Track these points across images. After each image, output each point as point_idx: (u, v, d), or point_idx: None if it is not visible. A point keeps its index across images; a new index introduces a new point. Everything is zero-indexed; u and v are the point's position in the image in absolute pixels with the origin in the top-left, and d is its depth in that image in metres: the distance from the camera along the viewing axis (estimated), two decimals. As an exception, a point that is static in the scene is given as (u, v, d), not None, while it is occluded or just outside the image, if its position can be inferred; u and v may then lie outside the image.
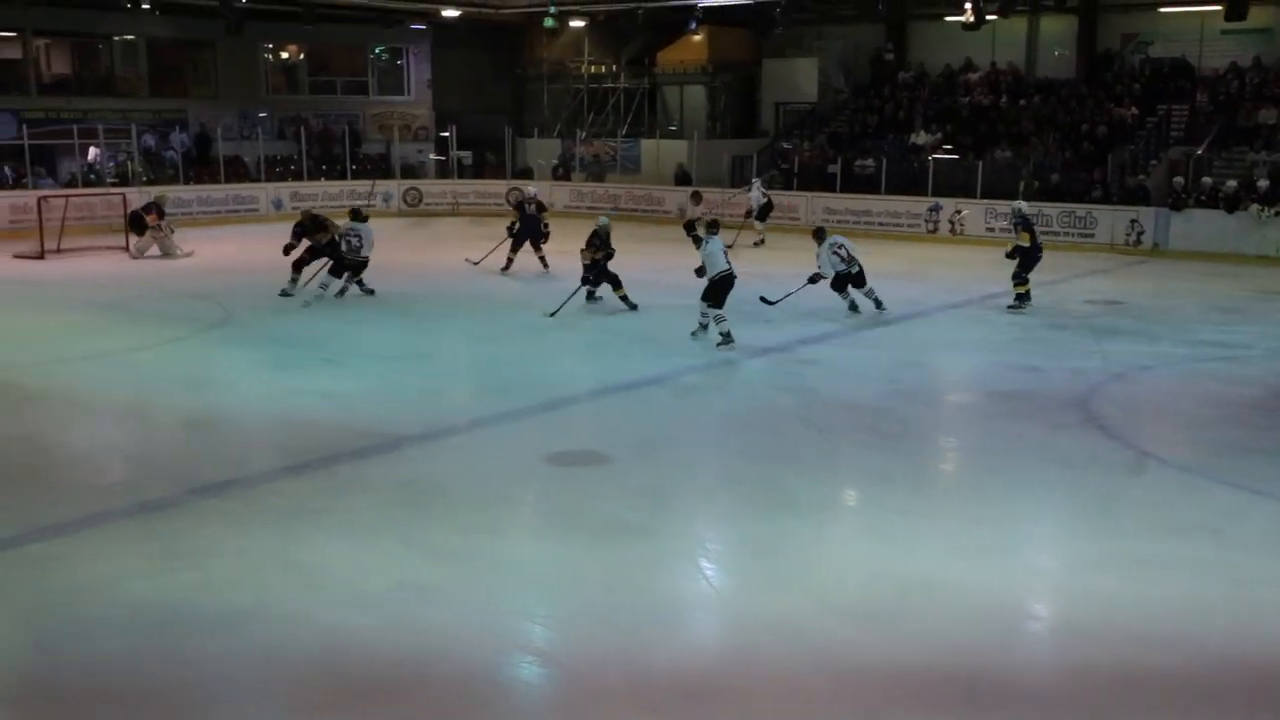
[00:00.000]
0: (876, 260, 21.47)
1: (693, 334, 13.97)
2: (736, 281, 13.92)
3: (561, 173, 31.96)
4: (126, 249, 21.21)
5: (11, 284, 18.25)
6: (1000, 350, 13.96)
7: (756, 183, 25.20)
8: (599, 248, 16.06)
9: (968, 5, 25.24)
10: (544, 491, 8.78)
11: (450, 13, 28.75)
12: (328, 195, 29.09)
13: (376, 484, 8.76)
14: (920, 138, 27.95)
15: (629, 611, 6.54)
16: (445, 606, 6.57)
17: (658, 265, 19.36)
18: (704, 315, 13.85)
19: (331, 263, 16.58)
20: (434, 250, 22.71)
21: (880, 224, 25.94)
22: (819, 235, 15.75)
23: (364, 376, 12.24)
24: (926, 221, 25.45)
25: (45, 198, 22.64)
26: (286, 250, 16.80)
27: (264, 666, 5.86)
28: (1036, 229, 16.80)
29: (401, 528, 7.81)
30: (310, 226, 16.94)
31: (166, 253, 21.02)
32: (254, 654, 5.96)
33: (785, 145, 30.10)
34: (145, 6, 25.96)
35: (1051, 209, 23.70)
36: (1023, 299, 16.45)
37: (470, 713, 5.53)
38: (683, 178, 29.52)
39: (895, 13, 30.51)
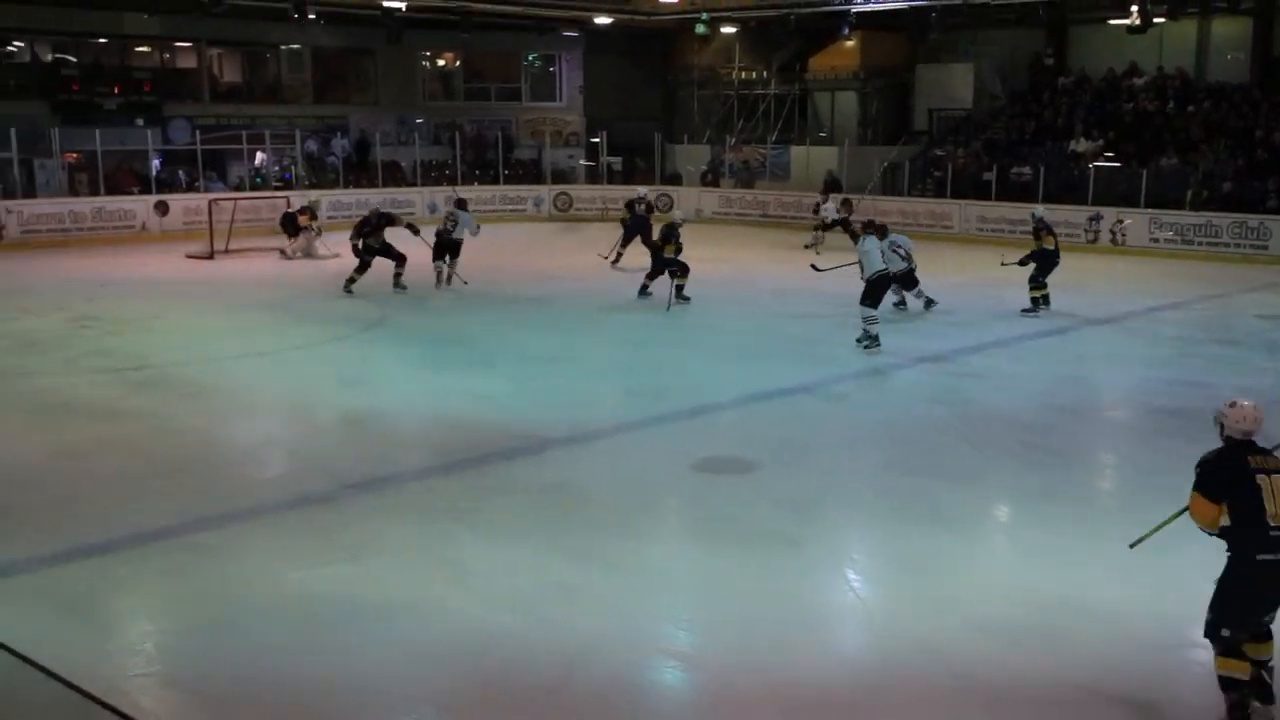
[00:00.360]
0: (1028, 271, 20.94)
1: (858, 340, 13.76)
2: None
3: (710, 179, 31.98)
4: (282, 251, 21.99)
5: (184, 283, 19.08)
6: (1164, 365, 13.45)
7: (832, 200, 24.47)
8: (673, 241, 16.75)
9: (1134, 8, 24.35)
10: (690, 497, 8.78)
11: (603, 19, 29.02)
12: (480, 200, 29.65)
13: (524, 485, 8.87)
14: (1080, 145, 27.10)
15: (773, 620, 6.49)
16: (590, 608, 6.62)
17: (809, 273, 19.18)
18: (868, 322, 13.68)
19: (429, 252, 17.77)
20: (584, 254, 22.91)
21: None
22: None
23: (514, 378, 12.43)
24: (1086, 231, 24.63)
25: (215, 200, 23.62)
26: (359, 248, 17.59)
27: (413, 660, 5.98)
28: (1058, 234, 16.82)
29: (548, 529, 7.89)
30: (377, 223, 17.67)
31: (309, 254, 21.71)
32: (404, 647, 6.09)
33: (938, 152, 29.54)
34: (312, 17, 26.84)
35: (1221, 219, 22.74)
36: (1038, 303, 16.33)
37: (612, 714, 5.55)
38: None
39: (1056, 16, 29.59)
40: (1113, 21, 27.58)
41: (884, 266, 13.81)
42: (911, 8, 26.04)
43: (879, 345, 13.58)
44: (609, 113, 33.99)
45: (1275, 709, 5.38)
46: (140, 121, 27.94)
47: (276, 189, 27.25)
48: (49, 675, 3.36)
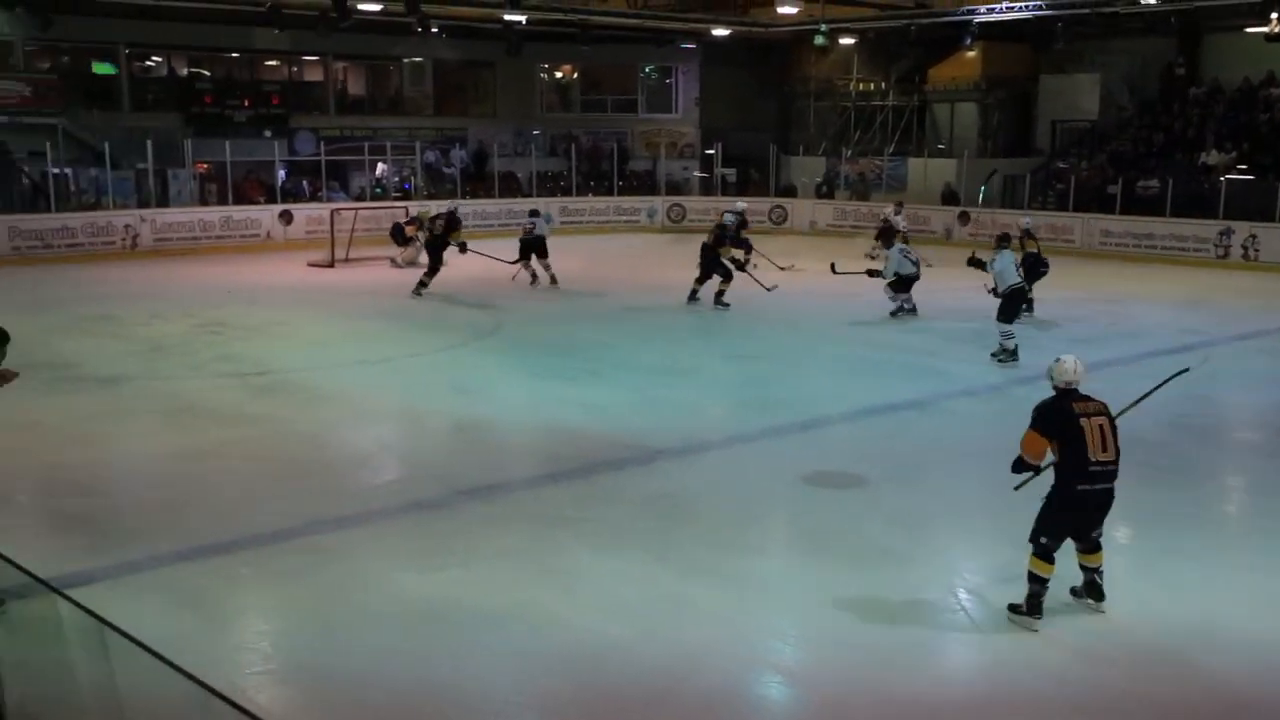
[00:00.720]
0: (1155, 285, 20.37)
1: (993, 355, 13.53)
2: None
3: (825, 191, 31.75)
4: (392, 260, 22.43)
5: (306, 291, 19.58)
6: (1296, 386, 12.94)
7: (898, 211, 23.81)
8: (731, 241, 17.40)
9: (1273, 15, 23.53)
10: (799, 511, 8.70)
11: (720, 31, 29.05)
12: (594, 210, 29.97)
13: (633, 495, 8.89)
14: (1212, 157, 26.24)
15: (881, 638, 6.40)
16: (697, 620, 6.60)
17: (926, 286, 18.91)
18: (1005, 338, 13.44)
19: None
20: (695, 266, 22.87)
21: (1164, 248, 24.46)
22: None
23: (625, 388, 12.48)
24: (1216, 246, 23.84)
25: (337, 210, 24.20)
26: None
27: (521, 666, 6.03)
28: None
29: (656, 541, 7.89)
30: (448, 224, 18.86)
31: (416, 263, 22.08)
32: (512, 654, 6.14)
33: (1061, 164, 28.88)
34: (434, 30, 27.38)
35: (1363, 235, 21.82)
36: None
37: (719, 729, 5.52)
38: (949, 197, 28.79)
39: (1188, 25, 28.73)
40: (1250, 30, 26.62)
41: (1018, 281, 13.55)
42: (1036, 17, 25.52)
43: (1016, 360, 13.32)
44: (724, 124, 33.98)
45: (1104, 606, 6.67)
46: (268, 133, 28.82)
47: (396, 199, 27.82)
48: (174, 669, 3.46)
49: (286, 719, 5.58)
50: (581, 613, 6.66)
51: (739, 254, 17.91)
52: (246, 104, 29.07)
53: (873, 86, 34.18)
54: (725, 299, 17.38)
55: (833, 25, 28.18)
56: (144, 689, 4.29)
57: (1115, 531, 8.61)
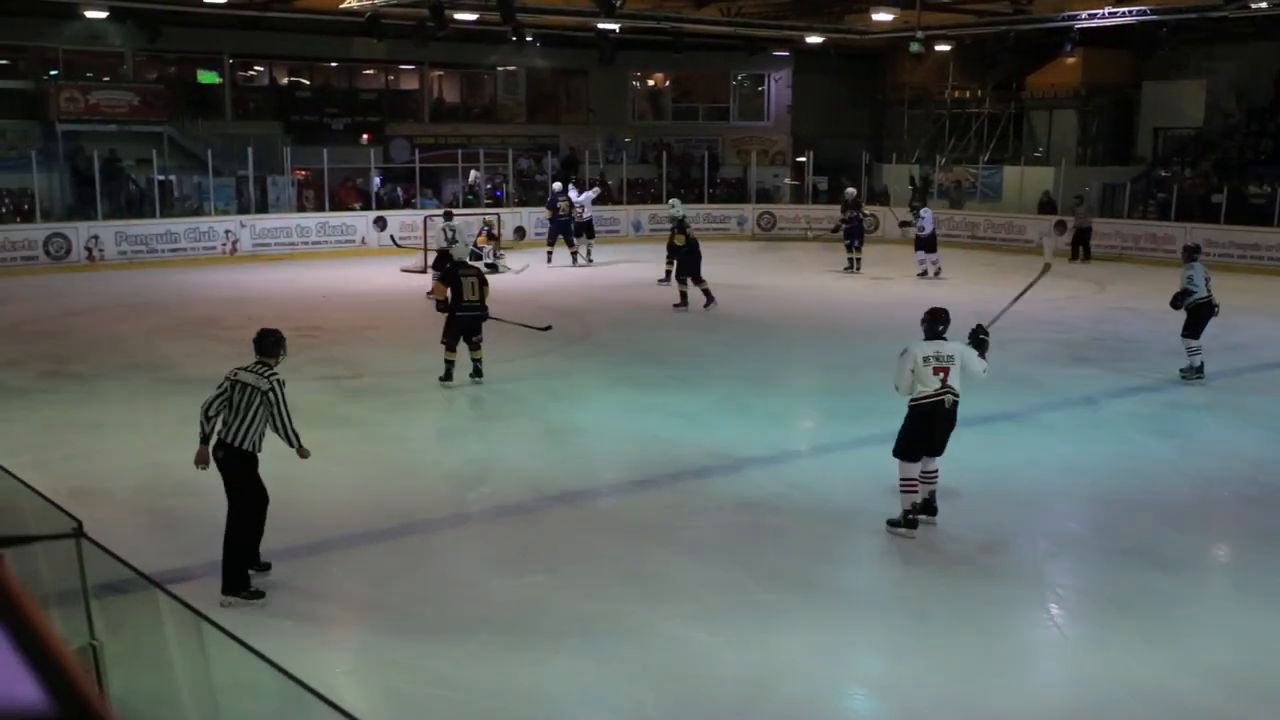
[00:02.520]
0: (1261, 297, 19.77)
1: (1181, 371, 13.18)
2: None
3: (919, 196, 31.36)
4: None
5: (398, 296, 19.85)
6: None
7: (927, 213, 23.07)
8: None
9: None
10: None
11: (814, 39, 28.87)
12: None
13: (720, 503, 8.86)
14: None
15: (970, 651, 6.29)
16: (783, 630, 6.55)
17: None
18: (1192, 354, 13.08)
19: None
20: (787, 274, 22.80)
21: (1271, 259, 23.74)
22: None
23: (713, 396, 12.44)
24: (1327, 258, 23.10)
25: (430, 217, 24.51)
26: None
27: (606, 672, 6.04)
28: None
29: (743, 548, 7.86)
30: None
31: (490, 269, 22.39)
32: (597, 659, 6.16)
33: (1163, 173, 28.20)
34: (529, 39, 27.64)
35: None
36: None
37: (803, 741, 5.47)
38: (1047, 206, 28.27)
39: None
40: (1363, 34, 25.82)
41: (1206, 294, 13.09)
42: (1140, 23, 24.96)
43: (1202, 376, 12.96)
44: (816, 132, 33.79)
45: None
46: (364, 140, 29.33)
47: (488, 206, 28.11)
48: (271, 665, 3.52)
49: (373, 719, 5.66)
50: (666, 619, 6.65)
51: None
52: (344, 112, 29.61)
53: (968, 93, 33.72)
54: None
55: (928, 32, 27.86)
56: (239, 684, 4.37)
57: (1215, 550, 8.39)
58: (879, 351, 14.92)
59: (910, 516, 8.04)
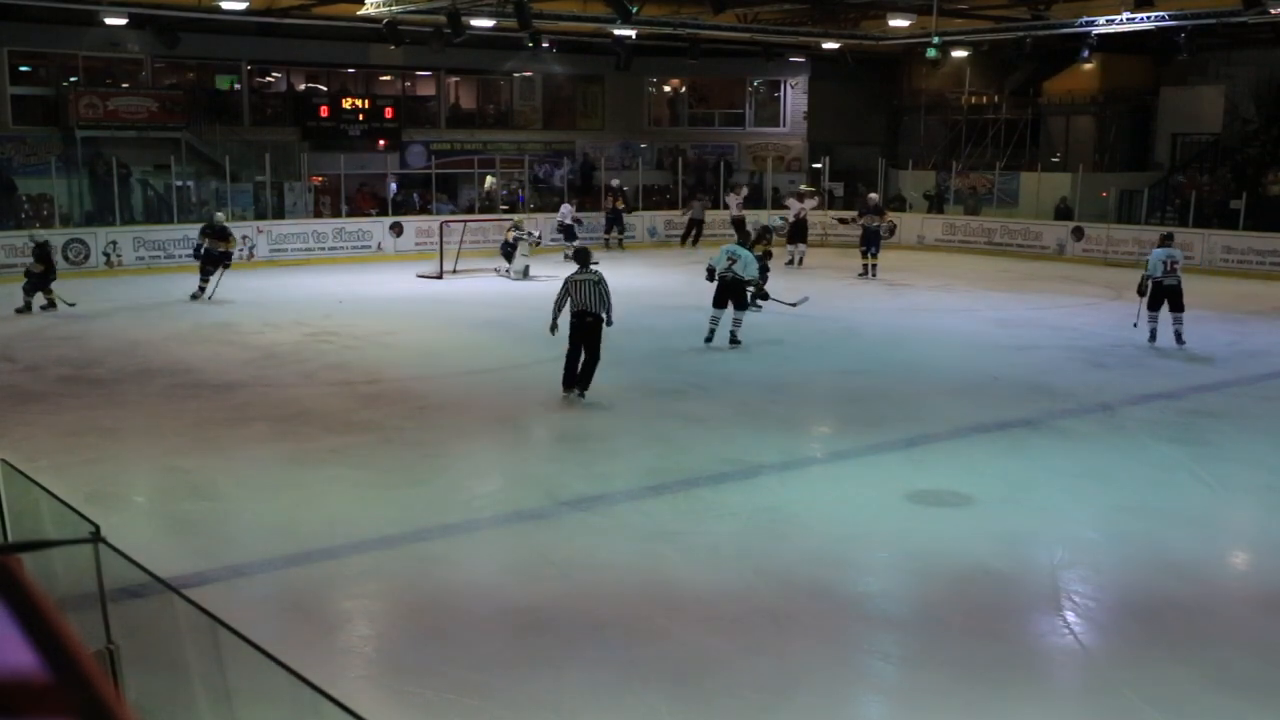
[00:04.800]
0: (1277, 304, 19.66)
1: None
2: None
3: (935, 204, 31.33)
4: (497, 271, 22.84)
5: (415, 301, 19.91)
6: None
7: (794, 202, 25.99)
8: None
9: None
10: (902, 528, 8.56)
11: (830, 45, 28.86)
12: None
13: (735, 509, 8.85)
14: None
15: (986, 660, 6.26)
16: (800, 636, 6.53)
17: (1036, 304, 18.56)
18: (1149, 322, 13.22)
19: None
20: (801, 280, 22.77)
21: (1291, 265, 23.62)
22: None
23: (728, 402, 12.43)
24: (1346, 264, 22.96)
25: (446, 222, 24.59)
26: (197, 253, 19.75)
27: (622, 678, 6.03)
28: None
29: (757, 555, 7.84)
30: (213, 234, 19.62)
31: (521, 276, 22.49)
32: (613, 665, 6.15)
33: (1181, 179, 28.07)
34: (545, 45, 27.70)
35: None
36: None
37: (818, 749, 5.45)
38: (1064, 212, 28.19)
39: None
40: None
41: (1158, 275, 13.36)
42: (1159, 29, 24.87)
43: (1153, 342, 13.14)
44: (832, 138, 33.73)
45: None
46: (381, 146, 29.41)
47: (504, 212, 28.16)
48: (286, 669, 3.53)
49: (389, 723, 5.66)
50: (681, 625, 6.64)
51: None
52: (360, 118, 29.71)
53: (985, 100, 33.64)
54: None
55: (945, 38, 27.82)
56: (254, 688, 4.38)
57: (1233, 558, 8.33)
58: (895, 358, 14.95)
59: None
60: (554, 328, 12.31)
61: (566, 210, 27.09)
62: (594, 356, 12.31)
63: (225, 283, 19.44)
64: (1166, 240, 16.22)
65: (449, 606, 6.95)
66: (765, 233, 18.28)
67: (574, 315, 12.08)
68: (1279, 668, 6.20)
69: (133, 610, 4.97)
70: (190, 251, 20.26)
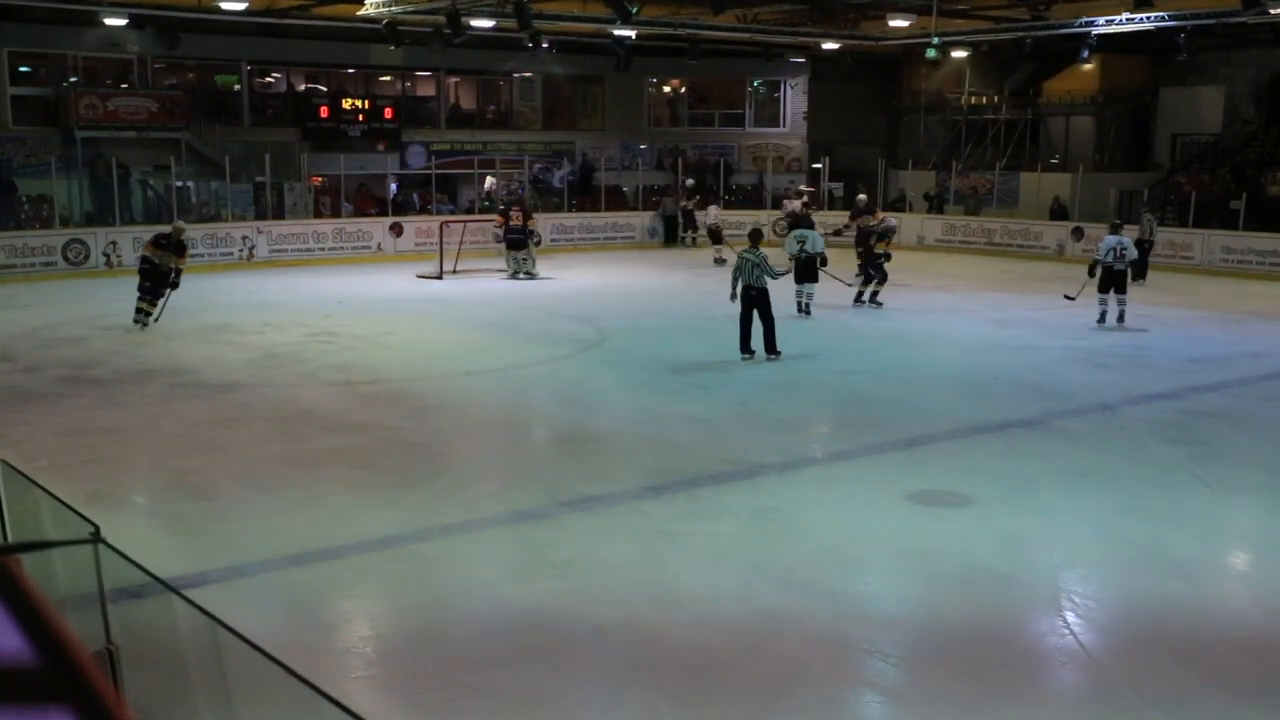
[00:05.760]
0: (1277, 305, 19.68)
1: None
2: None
3: (935, 205, 31.34)
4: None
5: (415, 302, 19.91)
6: None
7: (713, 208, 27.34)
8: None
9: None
10: (902, 530, 8.55)
11: (830, 45, 28.88)
12: (700, 224, 29.96)
13: (735, 510, 8.85)
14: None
15: (986, 660, 6.26)
16: (797, 637, 6.53)
17: (1036, 304, 18.56)
18: (1100, 304, 13.31)
19: None
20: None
21: (1291, 266, 23.62)
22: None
23: (728, 402, 12.43)
24: (1345, 265, 22.96)
25: (446, 223, 24.59)
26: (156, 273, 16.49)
27: (620, 679, 6.03)
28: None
29: (757, 555, 7.84)
30: (169, 246, 16.62)
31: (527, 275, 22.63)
32: (612, 666, 6.16)
33: (1180, 179, 28.08)
34: (545, 46, 27.72)
35: None
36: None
37: (818, 749, 5.45)
38: (1059, 212, 28.19)
39: (1320, 33, 27.76)
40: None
41: (1106, 259, 13.64)
42: (1158, 29, 24.89)
43: (1101, 323, 13.21)
44: (832, 138, 33.76)
45: None
46: (381, 147, 29.42)
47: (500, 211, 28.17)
48: (286, 670, 3.53)
49: (389, 723, 5.67)
50: (681, 626, 6.64)
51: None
52: (361, 118, 29.72)
53: (985, 100, 33.66)
54: (879, 298, 18.55)
55: (945, 39, 27.83)
56: (254, 689, 4.38)
57: (1234, 558, 8.34)
58: (894, 358, 14.95)
59: None
60: (733, 296, 14.44)
61: (714, 211, 27.50)
62: (766, 321, 14.42)
63: (225, 283, 19.42)
64: (1116, 229, 17.56)
65: (449, 607, 6.95)
66: (758, 234, 18.42)
67: (743, 289, 14.31)
68: (1278, 668, 6.19)
69: (133, 611, 4.97)
70: (138, 263, 17.03)
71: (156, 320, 16.42)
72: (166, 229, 17.50)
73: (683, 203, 29.50)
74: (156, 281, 16.35)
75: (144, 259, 16.65)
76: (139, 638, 4.79)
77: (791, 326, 17.35)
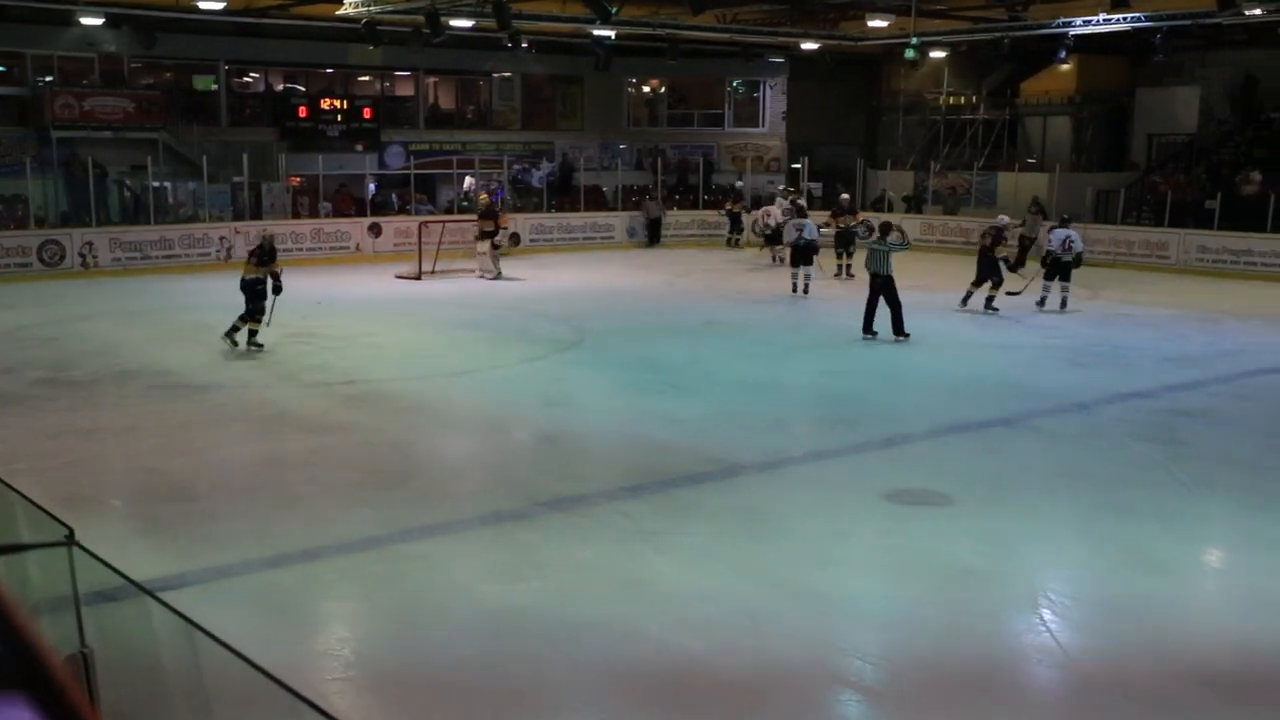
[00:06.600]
0: (1255, 302, 19.83)
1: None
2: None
3: (914, 205, 31.43)
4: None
5: (394, 302, 19.85)
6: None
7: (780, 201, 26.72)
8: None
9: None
10: (881, 529, 8.58)
11: (809, 45, 28.92)
12: (678, 224, 29.99)
13: (714, 510, 8.86)
14: (1314, 171, 25.51)
15: (964, 658, 6.29)
16: (776, 636, 6.55)
17: (1013, 303, 18.64)
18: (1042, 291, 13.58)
19: None
20: (781, 279, 22.80)
21: (1264, 265, 23.75)
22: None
23: (707, 402, 12.45)
24: (1320, 263, 23.13)
25: (425, 223, 24.52)
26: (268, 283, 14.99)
27: (600, 679, 6.04)
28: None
29: (736, 555, 7.86)
30: (266, 256, 15.17)
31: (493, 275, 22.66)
32: (591, 666, 6.15)
33: (1157, 179, 28.25)
34: (524, 45, 27.68)
35: None
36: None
37: (797, 748, 5.47)
38: (1037, 210, 28.28)
39: (1295, 34, 27.94)
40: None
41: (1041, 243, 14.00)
42: (1135, 30, 25.01)
43: (1012, 290, 13.44)
44: (811, 138, 33.81)
45: None
46: (360, 147, 29.32)
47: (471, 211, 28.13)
48: (262, 673, 3.52)
49: (368, 725, 5.65)
50: (660, 626, 6.65)
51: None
52: (339, 118, 29.61)
53: (963, 100, 33.78)
54: (995, 303, 18.37)
55: (924, 39, 27.90)
56: (231, 692, 4.36)
57: (1208, 555, 8.41)
58: (873, 358, 15.00)
59: None
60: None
61: (776, 213, 26.20)
62: (894, 305, 15.63)
63: (202, 284, 19.28)
64: (1065, 222, 19.13)
65: (428, 608, 6.94)
66: (887, 227, 18.73)
67: (870, 276, 15.72)
68: (1255, 665, 6.24)
69: (109, 614, 4.94)
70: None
71: (267, 324, 15.03)
72: (256, 243, 15.94)
73: (728, 206, 29.76)
74: (252, 299, 14.91)
75: (246, 281, 14.97)
76: (115, 641, 4.76)
77: (771, 329, 17.40)
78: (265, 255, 15.12)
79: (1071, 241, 18.26)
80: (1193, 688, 5.98)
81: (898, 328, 15.62)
